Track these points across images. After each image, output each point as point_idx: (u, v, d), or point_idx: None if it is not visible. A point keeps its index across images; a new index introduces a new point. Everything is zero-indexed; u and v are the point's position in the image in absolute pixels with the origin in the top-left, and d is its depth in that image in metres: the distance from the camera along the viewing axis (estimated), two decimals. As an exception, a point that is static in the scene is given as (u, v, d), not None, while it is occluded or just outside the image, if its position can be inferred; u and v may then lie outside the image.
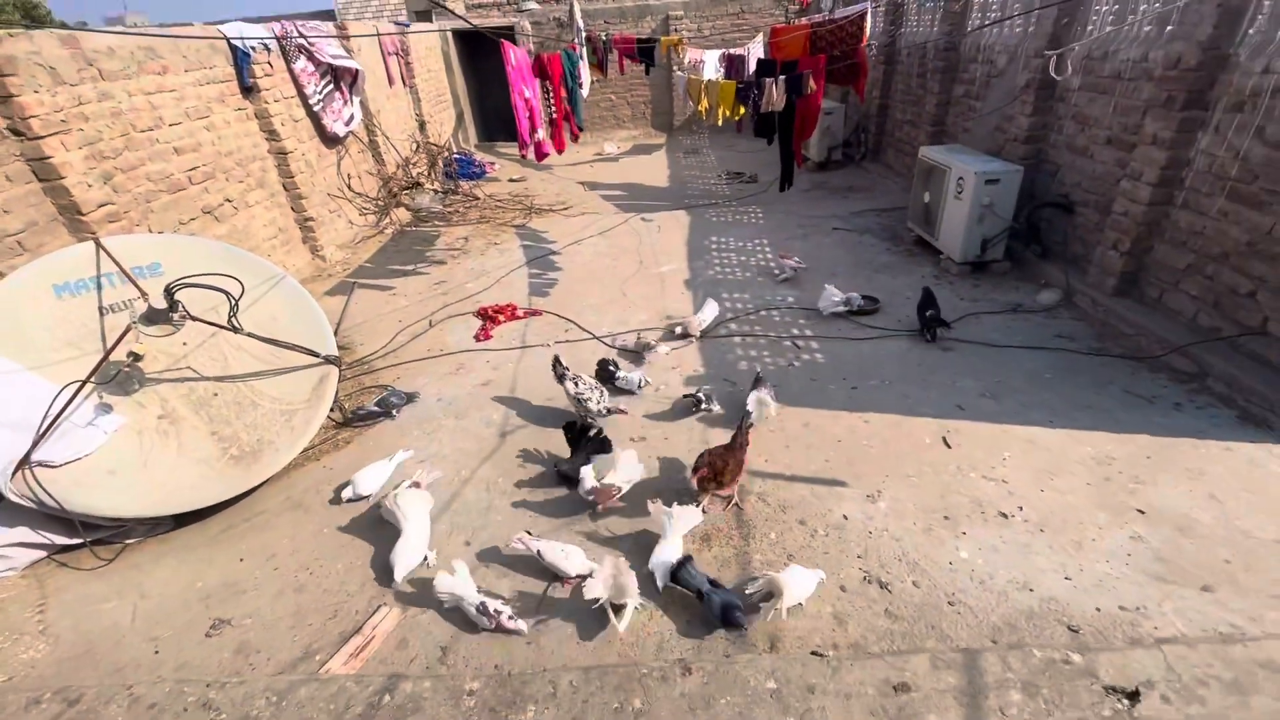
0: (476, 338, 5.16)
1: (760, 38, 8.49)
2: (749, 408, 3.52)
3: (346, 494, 3.35)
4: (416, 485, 3.30)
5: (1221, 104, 3.91)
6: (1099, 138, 4.94)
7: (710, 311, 4.97)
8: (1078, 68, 5.09)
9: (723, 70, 8.08)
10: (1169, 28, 4.30)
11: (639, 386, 4.17)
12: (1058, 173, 5.48)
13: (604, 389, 3.96)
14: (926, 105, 7.68)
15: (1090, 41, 4.95)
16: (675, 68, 11.81)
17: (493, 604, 2.50)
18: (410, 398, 4.30)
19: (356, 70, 7.28)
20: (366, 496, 3.36)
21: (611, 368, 4.27)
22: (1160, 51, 4.27)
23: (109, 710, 1.96)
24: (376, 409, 4.09)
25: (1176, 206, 4.29)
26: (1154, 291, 4.50)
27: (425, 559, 2.92)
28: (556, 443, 3.72)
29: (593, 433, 3.50)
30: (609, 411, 3.86)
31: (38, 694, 2.04)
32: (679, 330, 4.88)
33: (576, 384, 3.82)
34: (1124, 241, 4.58)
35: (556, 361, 3.96)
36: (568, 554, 2.75)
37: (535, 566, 2.82)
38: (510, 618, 2.45)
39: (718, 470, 3.04)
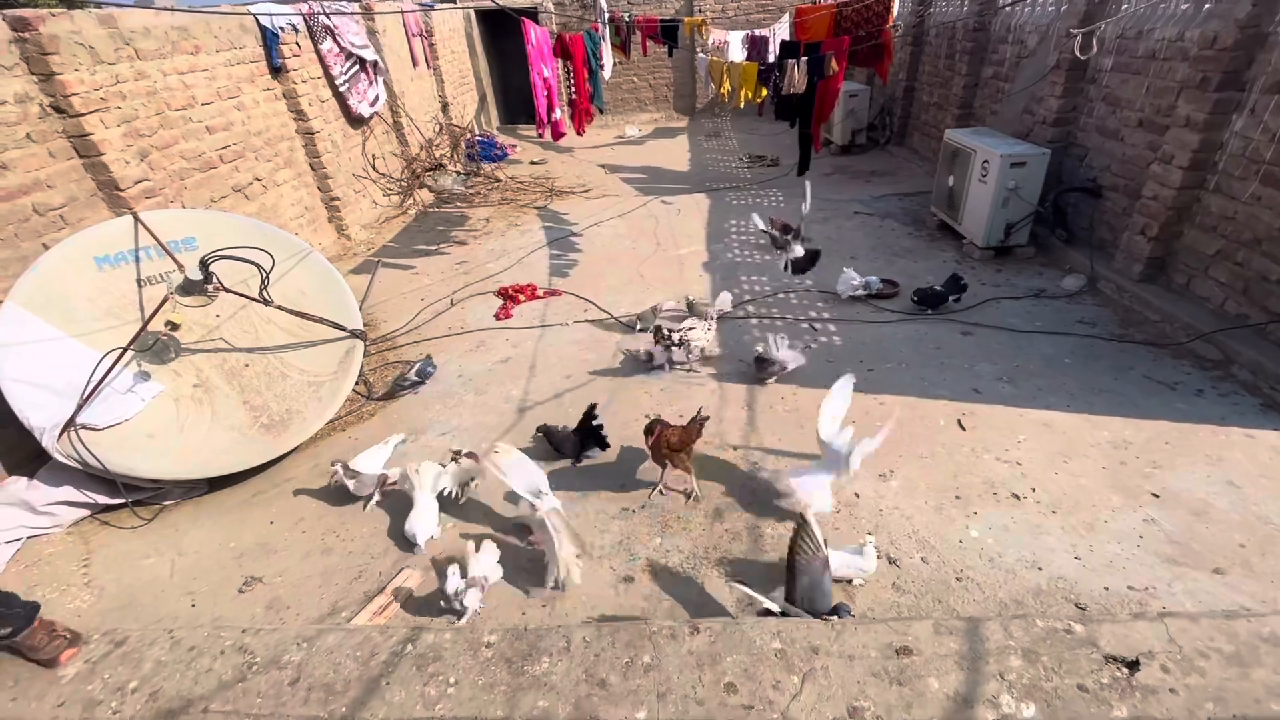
0: (497, 316, 5.25)
1: (785, 18, 8.39)
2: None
3: (343, 480, 3.21)
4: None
5: (1259, 85, 3.81)
6: (1130, 120, 4.83)
7: (724, 301, 4.91)
8: (1110, 47, 4.98)
9: (747, 51, 8.01)
10: (1207, 5, 4.19)
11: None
12: (1086, 156, 5.37)
13: (706, 323, 4.38)
14: (954, 87, 7.54)
15: (1124, 19, 4.83)
16: (699, 49, 11.71)
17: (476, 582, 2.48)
18: (429, 359, 4.48)
19: (376, 62, 7.39)
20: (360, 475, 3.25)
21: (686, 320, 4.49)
22: (1197, 30, 4.16)
23: (152, 651, 2.10)
24: (417, 378, 4.27)
25: (1208, 191, 4.19)
26: (1181, 278, 4.42)
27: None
28: (573, 419, 3.80)
29: (595, 422, 3.56)
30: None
31: (86, 635, 2.18)
32: (710, 314, 4.86)
33: (687, 332, 4.16)
34: (1152, 226, 4.49)
35: (662, 334, 4.18)
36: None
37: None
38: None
39: (666, 438, 3.01)
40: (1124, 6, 4.94)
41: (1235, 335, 3.84)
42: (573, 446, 3.45)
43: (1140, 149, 4.74)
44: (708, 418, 3.40)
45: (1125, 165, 4.91)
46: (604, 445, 3.51)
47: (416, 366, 4.32)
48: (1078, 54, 3.89)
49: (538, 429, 3.56)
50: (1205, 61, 4.04)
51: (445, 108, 10.35)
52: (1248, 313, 3.92)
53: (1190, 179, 4.24)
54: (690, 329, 4.23)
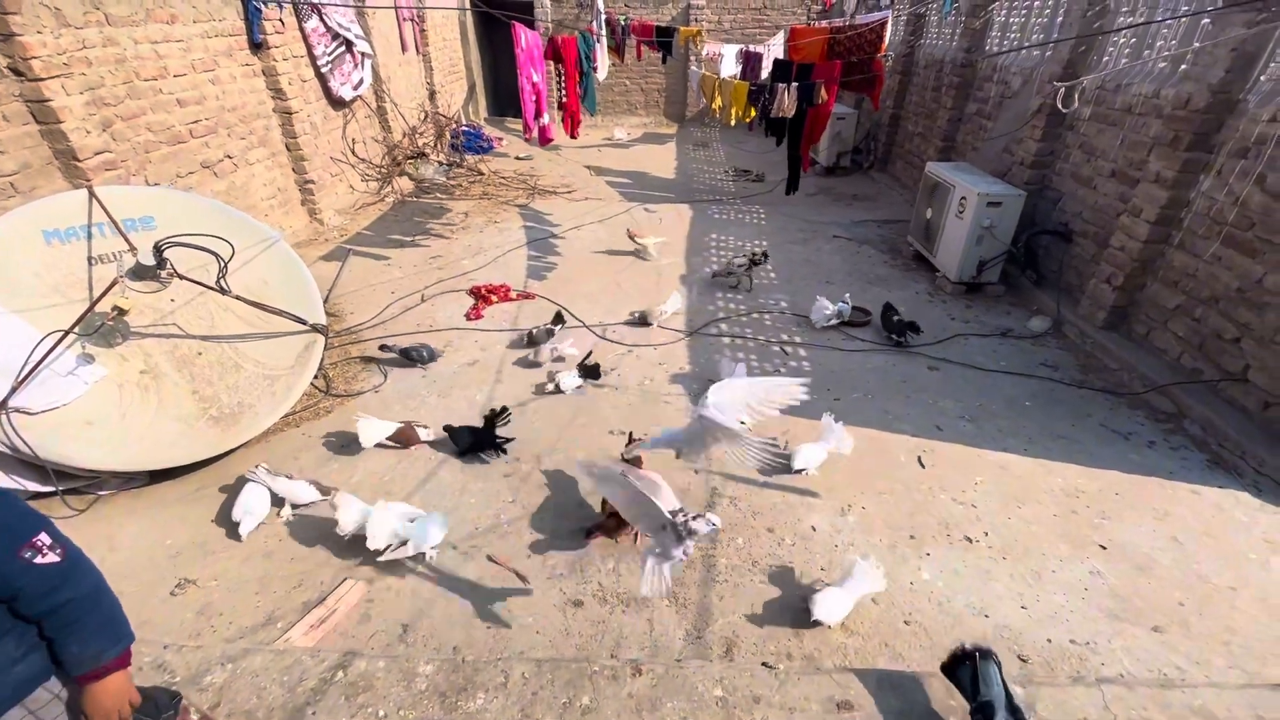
0: (468, 316, 5.16)
1: (780, 36, 8.42)
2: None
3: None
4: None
5: (1226, 148, 3.92)
6: (1104, 170, 4.94)
7: (674, 304, 5.21)
8: (1090, 97, 5.09)
9: (740, 67, 8.01)
10: (1182, 67, 4.30)
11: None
12: (1060, 201, 5.49)
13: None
14: (938, 120, 7.65)
15: (1105, 73, 4.94)
16: (692, 59, 11.71)
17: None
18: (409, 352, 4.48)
19: (363, 53, 7.22)
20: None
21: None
22: (1172, 90, 4.27)
23: (65, 663, 1.98)
24: (398, 356, 4.40)
25: (1172, 246, 4.31)
26: (1142, 328, 4.54)
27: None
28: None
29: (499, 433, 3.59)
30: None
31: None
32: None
33: (751, 268, 5.73)
34: (1118, 276, 4.60)
35: (763, 255, 5.76)
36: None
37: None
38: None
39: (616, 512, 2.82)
40: (1105, 59, 5.05)
41: (1188, 390, 3.95)
42: (465, 440, 3.47)
43: (1111, 199, 4.85)
44: (641, 438, 3.35)
45: (1096, 213, 5.02)
46: (501, 450, 3.54)
47: (403, 346, 4.45)
48: (1060, 106, 3.96)
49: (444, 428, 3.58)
50: (1177, 121, 4.15)
51: (433, 95, 10.18)
52: (1201, 368, 4.03)
53: (1156, 233, 4.35)
54: (755, 265, 5.68)
